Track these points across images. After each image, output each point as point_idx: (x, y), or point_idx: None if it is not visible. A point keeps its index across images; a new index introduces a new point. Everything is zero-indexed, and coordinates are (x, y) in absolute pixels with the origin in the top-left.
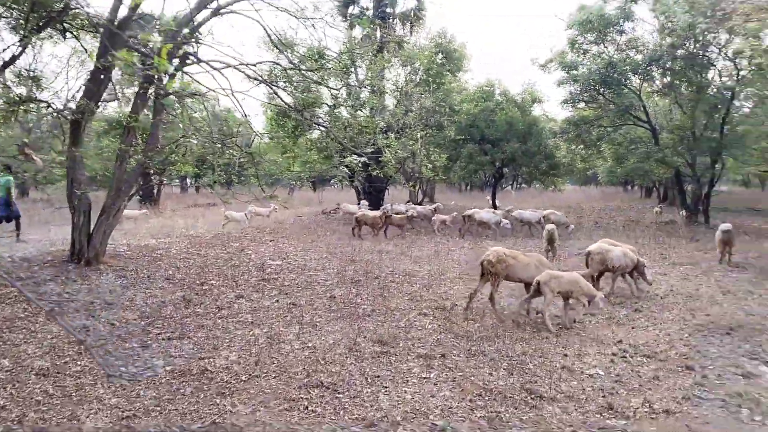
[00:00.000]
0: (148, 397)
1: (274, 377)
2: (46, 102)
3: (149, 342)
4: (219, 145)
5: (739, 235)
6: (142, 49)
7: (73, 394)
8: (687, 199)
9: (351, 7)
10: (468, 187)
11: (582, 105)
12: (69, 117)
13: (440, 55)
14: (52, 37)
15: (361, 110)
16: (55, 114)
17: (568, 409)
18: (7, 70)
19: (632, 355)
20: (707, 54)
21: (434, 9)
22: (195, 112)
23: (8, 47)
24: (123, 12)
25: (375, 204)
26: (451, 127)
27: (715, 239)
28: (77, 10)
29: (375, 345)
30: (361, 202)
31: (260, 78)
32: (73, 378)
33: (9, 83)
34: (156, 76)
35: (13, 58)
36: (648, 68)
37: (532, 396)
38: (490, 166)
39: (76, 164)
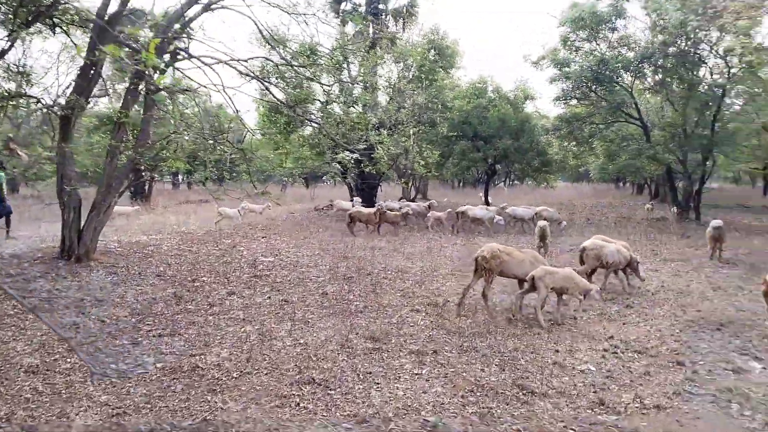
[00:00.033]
0: (138, 394)
1: (266, 374)
2: (35, 97)
3: (140, 339)
4: (210, 142)
5: (729, 231)
6: (133, 45)
7: (63, 391)
8: (678, 195)
9: (343, 3)
10: (461, 184)
11: (574, 102)
12: (59, 112)
13: (433, 52)
14: (41, 32)
15: (353, 107)
16: (44, 109)
17: (560, 404)
18: None
19: (623, 350)
20: (698, 51)
21: (427, 5)
22: (187, 109)
23: None
24: (113, 7)
25: (368, 201)
26: (444, 124)
27: (706, 236)
28: (67, 5)
29: (367, 341)
30: (354, 199)
31: (252, 74)
32: (62, 375)
33: None
34: (146, 72)
35: (2, 53)
36: (640, 65)
37: (524, 392)
38: (482, 162)
39: (66, 160)
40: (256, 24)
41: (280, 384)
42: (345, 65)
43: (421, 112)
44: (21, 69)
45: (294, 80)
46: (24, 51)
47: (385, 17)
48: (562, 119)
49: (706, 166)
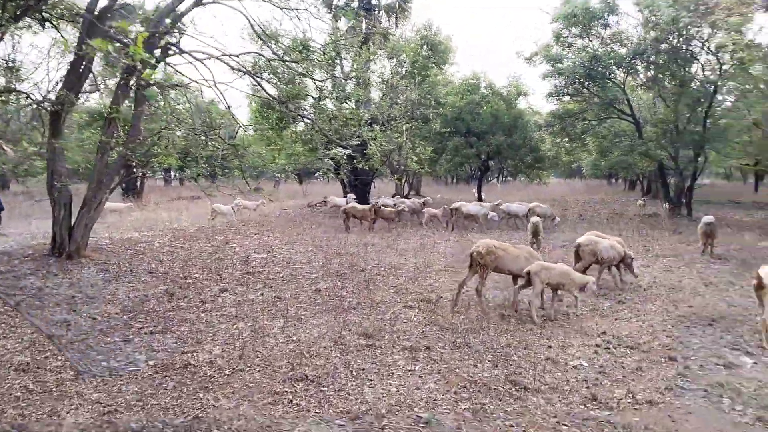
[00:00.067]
0: (129, 392)
1: (258, 371)
2: (25, 93)
3: (131, 336)
4: (203, 138)
5: (721, 227)
6: (124, 40)
7: (54, 389)
8: (670, 191)
9: None
10: (454, 180)
11: (567, 98)
12: (48, 108)
13: (426, 48)
14: (30, 27)
15: (346, 102)
16: (34, 105)
17: (552, 400)
18: None
19: (616, 346)
20: (690, 48)
21: (420, 1)
22: (178, 104)
23: None
24: (104, 2)
25: (361, 197)
26: (437, 120)
27: (698, 231)
28: None
29: (360, 338)
30: (348, 195)
31: (244, 69)
32: (53, 373)
33: None
34: (136, 67)
35: None
36: (632, 62)
37: (517, 387)
38: (475, 158)
39: (56, 156)
40: (247, 19)
41: (272, 381)
42: (338, 61)
43: (414, 108)
44: (10, 64)
45: (286, 76)
46: (14, 46)
47: (378, 13)
48: (555, 115)
49: (698, 163)
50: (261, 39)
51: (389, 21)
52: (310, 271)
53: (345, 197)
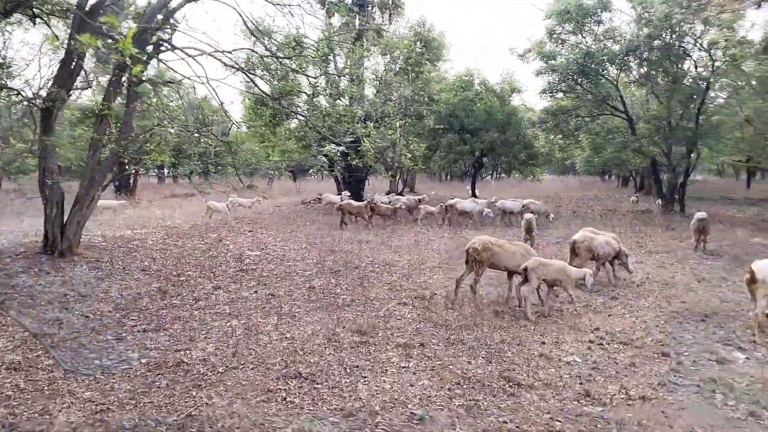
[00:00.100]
0: (122, 390)
1: (252, 368)
2: (16, 90)
3: (124, 334)
4: (196, 135)
5: (713, 223)
6: (116, 36)
7: (45, 388)
8: (663, 188)
9: None
10: (448, 177)
11: (560, 95)
12: (40, 105)
13: (419, 44)
14: (21, 23)
15: (339, 99)
16: (25, 102)
17: (546, 396)
18: None
19: (609, 342)
20: (683, 45)
21: None
22: (171, 101)
23: None
24: None
25: (355, 194)
26: (431, 117)
27: (691, 228)
28: None
29: (354, 335)
30: (343, 192)
31: (237, 66)
32: (45, 372)
33: None
34: (126, 62)
35: None
36: (625, 58)
37: (510, 384)
38: (469, 155)
39: (47, 153)
40: (240, 15)
41: (266, 378)
42: (331, 57)
43: (407, 104)
44: (1, 60)
45: (279, 72)
46: (4, 42)
47: (372, 9)
48: (549, 112)
49: (691, 159)
50: (254, 35)
51: (383, 17)
52: (304, 269)
53: (339, 194)
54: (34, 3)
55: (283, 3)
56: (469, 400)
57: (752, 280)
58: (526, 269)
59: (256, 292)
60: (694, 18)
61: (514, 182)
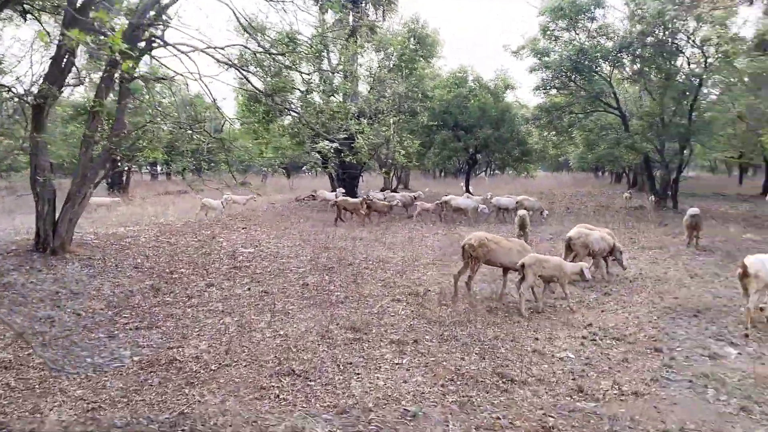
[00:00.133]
0: (114, 388)
1: (245, 366)
2: (6, 86)
3: (116, 332)
4: (189, 132)
5: (706, 219)
6: (108, 32)
7: (36, 386)
8: (656, 184)
9: None
10: (442, 174)
11: (554, 92)
12: (31, 102)
13: (413, 41)
14: (12, 19)
15: (333, 96)
16: (16, 99)
17: (539, 392)
18: None
19: (602, 338)
20: (676, 41)
21: None
22: (164, 98)
23: None
24: None
25: (349, 191)
26: (425, 114)
27: (683, 224)
28: None
29: (348, 332)
30: (338, 189)
31: (230, 62)
32: (36, 370)
33: None
34: (115, 58)
35: None
36: (618, 55)
37: (504, 380)
38: (463, 152)
39: (39, 150)
40: (233, 11)
41: (259, 376)
42: (325, 54)
43: (401, 101)
44: None
45: (273, 69)
46: None
47: (365, 5)
48: (542, 109)
49: (684, 155)
50: (247, 32)
51: (376, 14)
52: (297, 266)
53: (334, 191)
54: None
55: None
56: (463, 397)
57: (744, 275)
58: (523, 266)
59: (249, 289)
60: (686, 15)
61: (507, 179)
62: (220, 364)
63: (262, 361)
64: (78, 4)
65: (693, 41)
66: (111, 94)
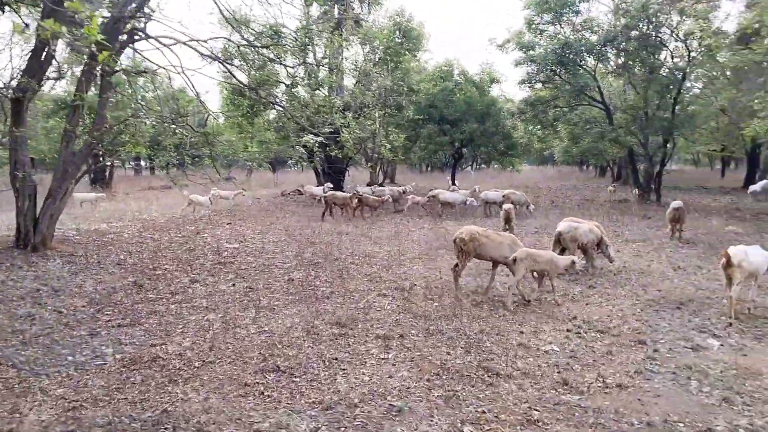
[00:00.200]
0: (96, 386)
1: (229, 362)
2: None
3: (98, 330)
4: (173, 126)
5: (689, 212)
6: (88, 24)
7: (15, 386)
8: (640, 177)
9: None
10: (428, 168)
11: (539, 85)
12: (10, 96)
13: (398, 34)
14: None
15: (318, 89)
16: None
17: (524, 385)
18: None
19: (586, 331)
20: (660, 35)
21: None
22: (147, 92)
23: None
24: None
25: (335, 185)
26: (410, 107)
27: (667, 216)
28: None
29: (333, 327)
30: (326, 184)
31: (213, 55)
32: (15, 369)
33: None
34: (92, 49)
35: None
36: (603, 49)
37: (489, 374)
38: (449, 146)
39: (18, 145)
40: (216, 4)
41: (243, 372)
42: (310, 47)
43: (387, 95)
44: None
45: (257, 62)
46: None
47: None
48: (527, 102)
49: (667, 149)
50: (230, 24)
51: (362, 7)
52: (283, 261)
53: (321, 186)
54: None
55: None
56: (448, 391)
57: (728, 264)
58: (515, 260)
59: (233, 285)
60: (670, 8)
61: (493, 173)
62: (203, 361)
63: (246, 357)
64: None
65: (676, 35)
66: (93, 88)
